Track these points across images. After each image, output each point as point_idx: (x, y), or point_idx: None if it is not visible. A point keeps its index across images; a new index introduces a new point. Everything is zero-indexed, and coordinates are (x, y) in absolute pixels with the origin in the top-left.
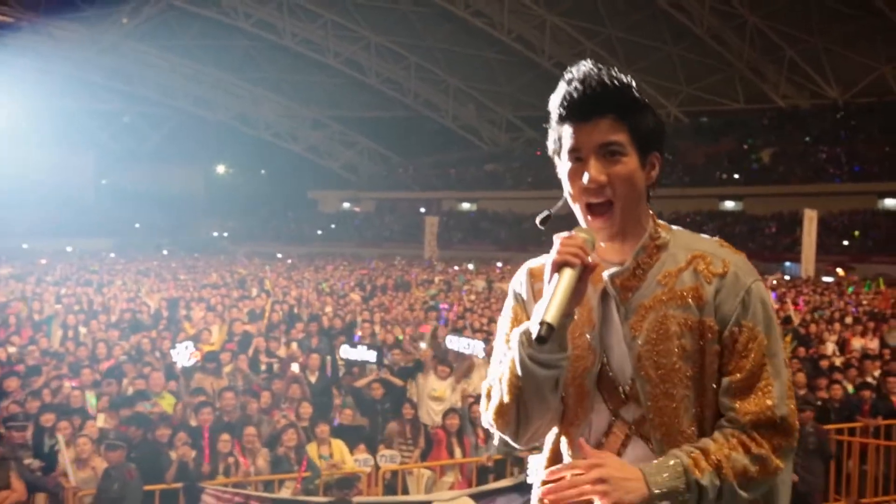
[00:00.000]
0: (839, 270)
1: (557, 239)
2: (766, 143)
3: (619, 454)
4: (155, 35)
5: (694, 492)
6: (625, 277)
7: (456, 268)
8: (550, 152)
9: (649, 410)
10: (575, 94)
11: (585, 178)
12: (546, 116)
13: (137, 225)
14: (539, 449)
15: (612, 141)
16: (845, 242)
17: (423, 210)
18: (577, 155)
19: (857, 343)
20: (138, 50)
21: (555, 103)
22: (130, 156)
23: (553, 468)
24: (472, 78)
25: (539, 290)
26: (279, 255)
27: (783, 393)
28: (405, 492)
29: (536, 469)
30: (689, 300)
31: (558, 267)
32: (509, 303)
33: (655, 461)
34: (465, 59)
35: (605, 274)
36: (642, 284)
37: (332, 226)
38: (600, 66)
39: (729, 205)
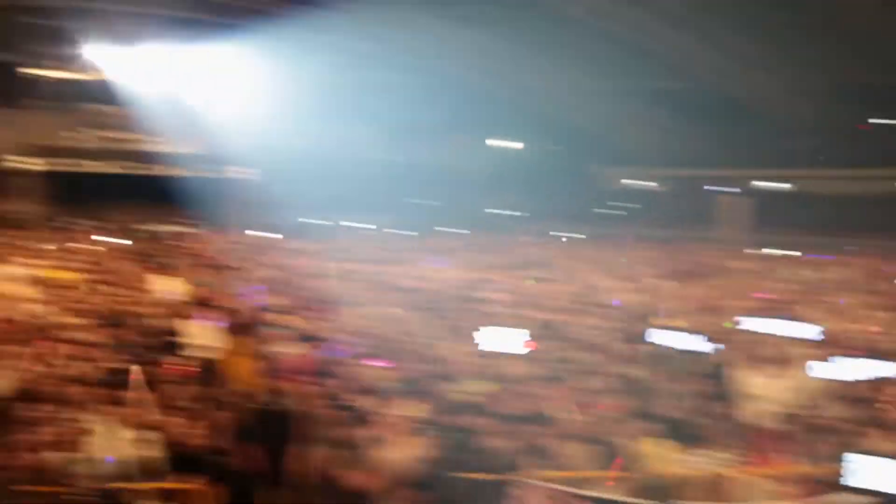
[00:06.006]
0: None
1: None
2: None
3: None
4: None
5: None
6: None
7: (764, 251)
8: None
9: None
10: None
11: None
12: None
13: (417, 201)
14: None
15: None
16: None
17: (722, 189)
18: None
19: None
20: (426, 23)
21: None
22: (412, 129)
23: None
24: (772, 44)
25: None
26: (563, 239)
27: None
28: (729, 499)
29: None
30: None
31: None
32: None
33: None
34: (764, 24)
35: None
36: None
37: (624, 204)
38: None
39: None
